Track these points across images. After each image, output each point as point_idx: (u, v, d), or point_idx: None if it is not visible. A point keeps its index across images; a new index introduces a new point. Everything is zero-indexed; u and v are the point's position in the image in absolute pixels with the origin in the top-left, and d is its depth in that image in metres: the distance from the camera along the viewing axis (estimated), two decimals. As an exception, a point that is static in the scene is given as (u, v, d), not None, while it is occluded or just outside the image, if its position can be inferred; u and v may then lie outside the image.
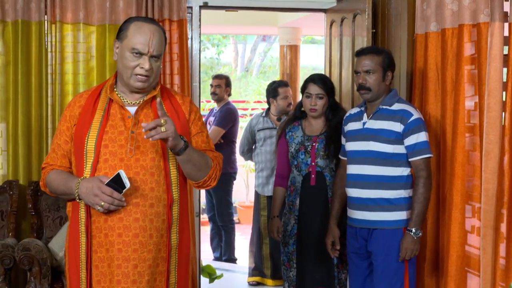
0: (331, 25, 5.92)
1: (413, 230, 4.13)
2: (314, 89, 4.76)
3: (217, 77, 7.89)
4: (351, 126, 4.41)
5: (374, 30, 5.31)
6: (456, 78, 4.35)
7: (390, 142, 4.18)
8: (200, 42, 5.79)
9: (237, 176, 8.22)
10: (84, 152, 3.21)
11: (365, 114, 4.34)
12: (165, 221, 3.23)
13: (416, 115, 4.18)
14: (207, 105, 11.66)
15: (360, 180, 4.27)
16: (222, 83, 7.73)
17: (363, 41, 5.21)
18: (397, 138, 4.17)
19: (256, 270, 6.92)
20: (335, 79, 5.80)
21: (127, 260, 3.18)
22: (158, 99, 3.12)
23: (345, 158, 4.46)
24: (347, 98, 5.53)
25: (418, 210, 4.13)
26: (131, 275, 3.18)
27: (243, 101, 14.45)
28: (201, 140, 3.40)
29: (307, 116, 4.88)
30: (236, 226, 10.64)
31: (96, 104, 3.29)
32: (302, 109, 4.90)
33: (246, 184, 11.06)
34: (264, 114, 6.87)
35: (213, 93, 7.78)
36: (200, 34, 5.76)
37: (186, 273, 3.37)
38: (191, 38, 5.72)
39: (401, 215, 4.19)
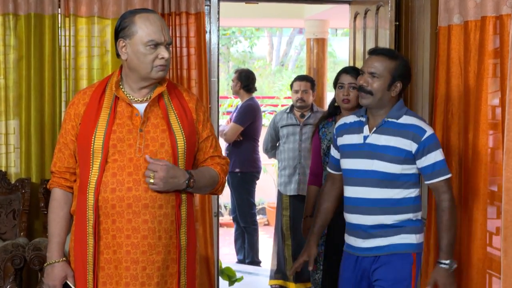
0: (355, 17, 5.99)
1: (448, 262, 3.84)
2: (347, 79, 4.73)
3: (234, 71, 8.14)
4: (348, 139, 4.03)
5: (397, 23, 5.37)
6: (479, 72, 4.38)
7: (398, 162, 3.84)
8: (218, 36, 5.87)
9: (267, 176, 8.29)
10: (91, 152, 3.27)
11: (366, 127, 3.96)
12: (173, 222, 3.31)
13: (429, 131, 3.87)
14: (235, 101, 11.78)
15: (363, 205, 3.91)
16: (234, 78, 7.97)
17: (386, 34, 5.26)
18: (407, 158, 3.83)
19: (279, 273, 7.00)
20: (358, 74, 5.86)
21: (135, 262, 3.26)
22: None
23: (335, 172, 4.20)
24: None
25: (448, 239, 3.84)
26: (140, 277, 3.27)
27: (273, 97, 14.49)
28: (210, 145, 3.50)
29: (342, 112, 4.87)
30: (265, 227, 10.78)
31: (102, 102, 3.34)
32: (336, 104, 4.91)
33: (276, 184, 11.11)
34: (288, 110, 6.96)
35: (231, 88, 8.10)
36: (218, 27, 5.85)
37: (194, 274, 3.46)
38: (209, 32, 5.80)
39: (410, 238, 3.89)
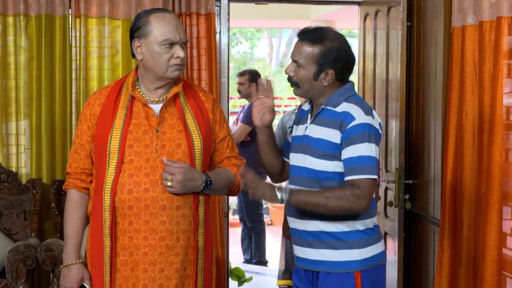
0: (365, 18, 5.92)
1: (282, 189, 3.17)
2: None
3: (240, 74, 8.03)
4: (297, 130, 3.47)
5: (409, 23, 5.30)
6: (494, 73, 4.32)
7: (329, 158, 3.23)
8: (229, 37, 5.81)
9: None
10: (107, 152, 3.23)
11: (309, 116, 3.40)
12: (191, 223, 3.26)
13: (360, 119, 3.19)
14: (238, 101, 11.74)
15: (295, 207, 3.33)
16: (245, 80, 7.85)
17: (397, 35, 5.19)
18: (337, 153, 3.22)
19: (287, 273, 6.94)
20: (369, 74, 5.81)
21: (153, 263, 3.21)
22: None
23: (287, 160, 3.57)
24: (381, 94, 5.52)
25: (309, 195, 3.18)
26: (158, 279, 3.22)
27: (276, 98, 14.48)
28: (226, 145, 3.46)
29: None
30: (269, 227, 10.73)
31: (118, 102, 3.30)
32: None
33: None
34: (296, 111, 6.90)
35: (238, 91, 7.93)
36: (229, 28, 5.79)
37: (211, 275, 3.41)
38: (220, 32, 5.75)
39: (351, 255, 3.26)
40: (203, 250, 3.34)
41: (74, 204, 3.39)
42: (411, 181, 5.32)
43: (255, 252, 8.10)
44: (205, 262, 3.36)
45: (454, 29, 4.67)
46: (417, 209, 5.27)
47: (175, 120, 3.28)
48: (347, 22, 9.67)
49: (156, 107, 3.28)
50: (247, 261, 8.18)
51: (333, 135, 3.22)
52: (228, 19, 5.78)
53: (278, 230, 8.87)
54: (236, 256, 8.34)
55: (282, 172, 3.57)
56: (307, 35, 3.30)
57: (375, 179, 3.18)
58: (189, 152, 3.26)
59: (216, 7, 5.69)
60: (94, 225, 3.30)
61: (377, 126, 3.26)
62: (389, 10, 5.39)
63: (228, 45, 5.82)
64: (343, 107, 3.25)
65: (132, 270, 3.23)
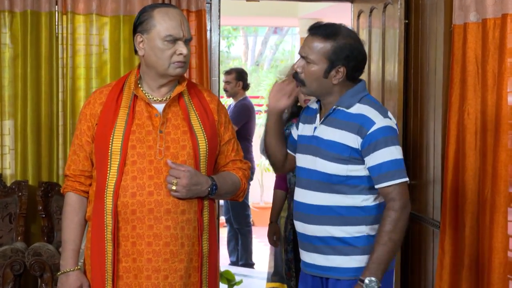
0: (358, 15, 5.83)
1: (367, 281, 3.02)
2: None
3: (226, 72, 7.93)
4: (305, 129, 3.32)
5: (407, 21, 5.21)
6: (499, 71, 4.24)
7: (342, 161, 3.10)
8: (219, 34, 5.69)
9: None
10: (109, 154, 3.10)
11: (318, 115, 3.26)
12: (196, 228, 3.15)
13: (380, 123, 3.08)
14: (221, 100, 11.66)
15: (304, 211, 3.22)
16: (231, 79, 7.77)
17: (395, 33, 5.12)
18: (352, 156, 3.10)
19: (276, 275, 6.82)
20: (364, 74, 5.70)
21: (157, 270, 3.09)
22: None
23: (292, 154, 3.47)
24: (377, 95, 5.42)
25: (378, 254, 3.03)
26: (162, 286, 3.10)
27: (257, 97, 14.38)
28: (231, 148, 3.35)
29: None
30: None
31: (119, 101, 3.17)
32: (298, 104, 4.77)
33: (261, 184, 10.97)
34: (286, 111, 6.79)
35: (224, 90, 7.83)
36: (219, 25, 5.68)
37: (215, 282, 3.30)
38: (210, 30, 5.63)
39: (362, 261, 3.13)
40: (208, 256, 3.22)
41: (72, 208, 3.24)
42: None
43: (242, 254, 8.00)
44: (210, 269, 3.24)
45: (455, 27, 4.59)
46: (415, 211, 5.17)
47: (180, 120, 3.16)
48: (336, 20, 9.55)
49: (159, 107, 3.16)
50: (233, 263, 8.08)
51: (349, 139, 3.11)
52: (219, 16, 5.66)
53: (260, 230, 8.78)
54: (221, 258, 8.22)
55: (285, 162, 3.51)
56: (319, 30, 3.15)
57: (407, 181, 3.12)
58: (194, 154, 3.13)
59: (207, 4, 5.57)
60: (94, 230, 3.15)
61: (395, 126, 3.19)
62: (385, 7, 5.32)
63: (219, 43, 5.69)
64: (357, 108, 3.13)
65: (135, 277, 3.10)
